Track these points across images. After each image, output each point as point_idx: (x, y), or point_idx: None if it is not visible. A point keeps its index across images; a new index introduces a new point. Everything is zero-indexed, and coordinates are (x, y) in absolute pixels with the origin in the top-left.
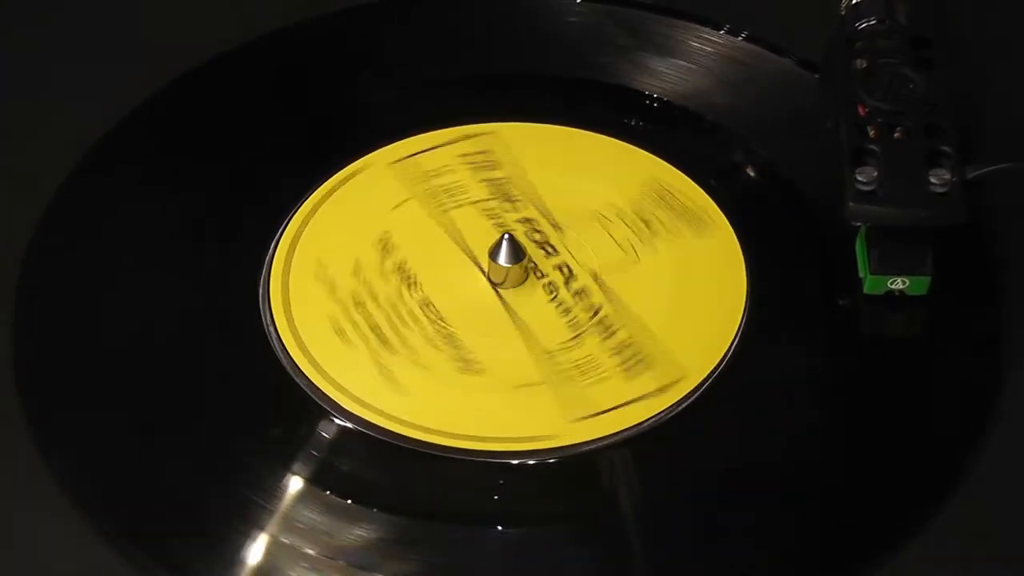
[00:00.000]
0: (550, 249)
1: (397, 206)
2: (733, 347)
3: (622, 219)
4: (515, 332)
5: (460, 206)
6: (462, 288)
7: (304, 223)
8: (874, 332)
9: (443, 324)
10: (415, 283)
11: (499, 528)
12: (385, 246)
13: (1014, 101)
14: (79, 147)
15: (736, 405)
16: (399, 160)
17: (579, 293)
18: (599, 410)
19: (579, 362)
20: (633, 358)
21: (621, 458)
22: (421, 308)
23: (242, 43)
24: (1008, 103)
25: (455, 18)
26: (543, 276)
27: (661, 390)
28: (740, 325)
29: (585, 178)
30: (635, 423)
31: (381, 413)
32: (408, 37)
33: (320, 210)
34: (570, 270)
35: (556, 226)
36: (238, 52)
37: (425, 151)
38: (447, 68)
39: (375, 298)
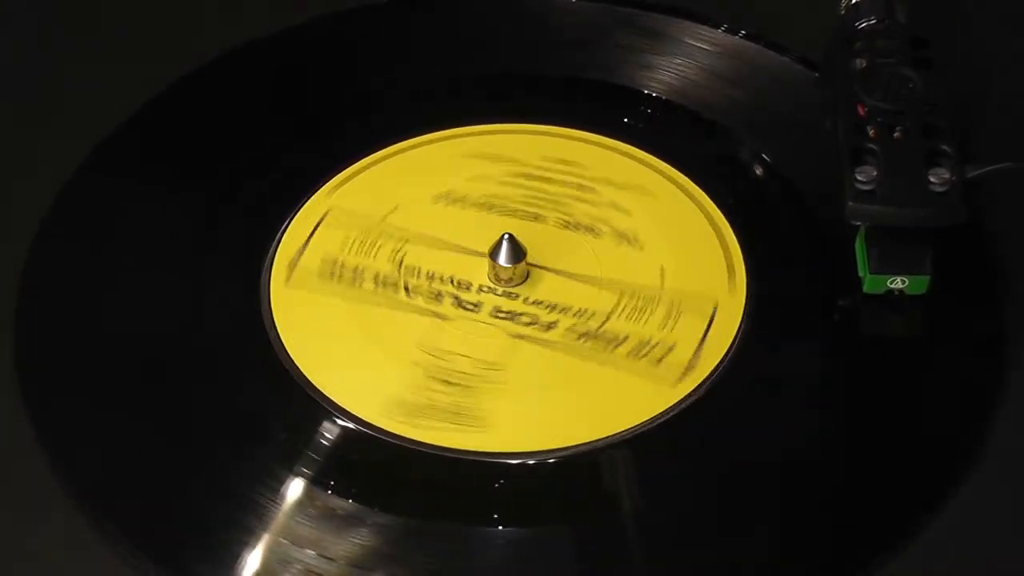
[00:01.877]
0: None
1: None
2: (733, 347)
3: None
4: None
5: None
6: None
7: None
8: (873, 331)
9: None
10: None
11: (499, 528)
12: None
13: (1014, 101)
14: (80, 147)
15: (733, 406)
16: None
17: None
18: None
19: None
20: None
21: (619, 458)
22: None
23: (244, 43)
24: (1008, 103)
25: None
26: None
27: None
28: (740, 326)
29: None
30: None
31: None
32: (409, 37)
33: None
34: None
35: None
36: (239, 52)
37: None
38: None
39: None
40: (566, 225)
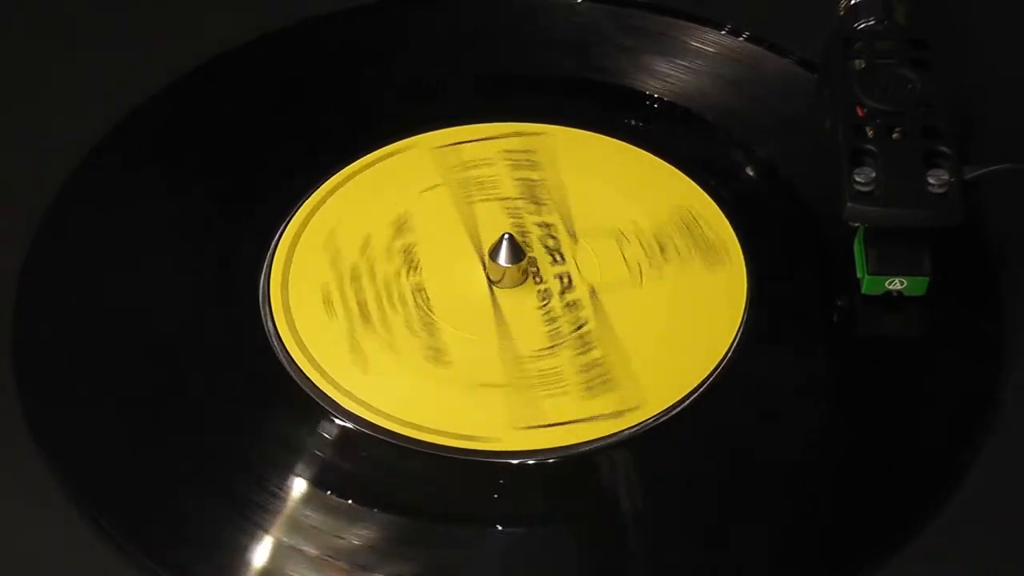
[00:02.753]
0: (558, 257)
1: (426, 190)
2: (732, 347)
3: (639, 240)
4: (494, 331)
5: (487, 200)
6: (459, 280)
7: (328, 195)
8: (872, 333)
9: (428, 311)
10: (416, 267)
11: (498, 528)
12: (400, 227)
13: (1012, 101)
14: (80, 147)
15: (732, 406)
16: (442, 146)
17: (570, 305)
18: (547, 422)
19: (545, 372)
20: (599, 378)
21: (618, 459)
22: (413, 293)
23: (244, 43)
24: (1006, 103)
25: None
26: (542, 282)
27: (615, 415)
28: (739, 326)
29: (619, 193)
30: (579, 441)
31: (345, 392)
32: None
33: (349, 183)
34: (570, 280)
35: (572, 235)
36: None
37: (471, 141)
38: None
39: (372, 275)
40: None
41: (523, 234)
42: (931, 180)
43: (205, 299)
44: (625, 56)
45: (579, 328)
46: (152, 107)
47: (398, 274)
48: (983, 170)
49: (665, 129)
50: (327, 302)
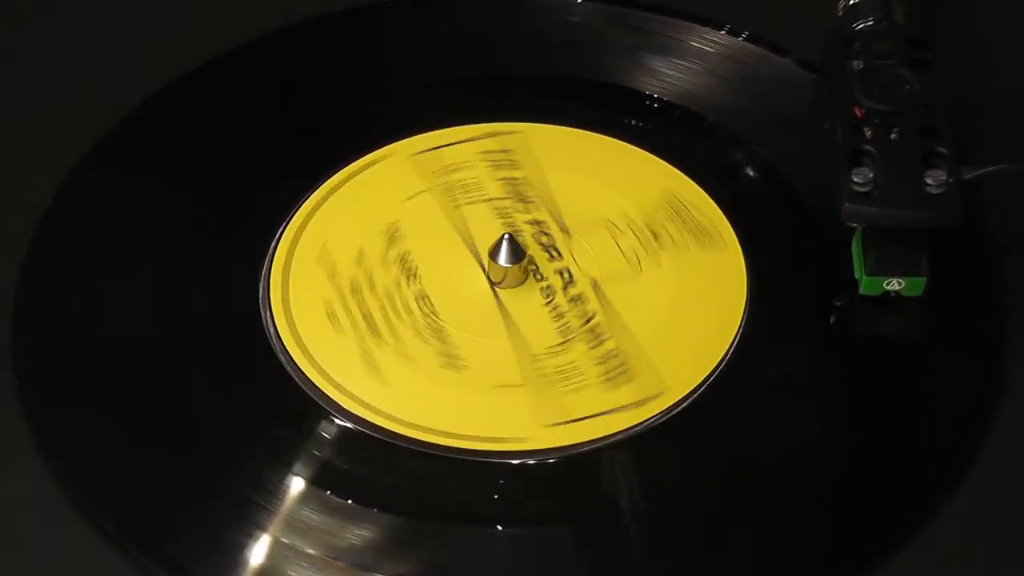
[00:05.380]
0: (554, 253)
1: (411, 197)
2: (731, 348)
3: (632, 229)
4: (504, 332)
5: (473, 203)
6: (460, 284)
7: (315, 209)
8: (869, 333)
9: (435, 318)
10: (415, 275)
11: (498, 528)
12: (392, 236)
13: (1011, 102)
14: (79, 147)
15: (730, 407)
16: (420, 152)
17: (575, 299)
18: (572, 418)
19: (563, 368)
20: (616, 369)
21: (618, 459)
22: (416, 300)
23: (244, 43)
24: (1005, 104)
25: (459, 19)
26: (543, 279)
27: (638, 403)
28: (739, 326)
29: (603, 185)
30: (608, 433)
31: (365, 405)
32: (430, 35)
33: (334, 196)
34: (570, 275)
35: (565, 230)
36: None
37: (448, 145)
38: (457, 67)
39: (372, 286)
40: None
41: (517, 233)
42: (929, 180)
43: (206, 299)
44: (623, 55)
45: (588, 321)
46: (152, 107)
47: (398, 283)
48: (981, 171)
49: (663, 129)
50: (331, 317)
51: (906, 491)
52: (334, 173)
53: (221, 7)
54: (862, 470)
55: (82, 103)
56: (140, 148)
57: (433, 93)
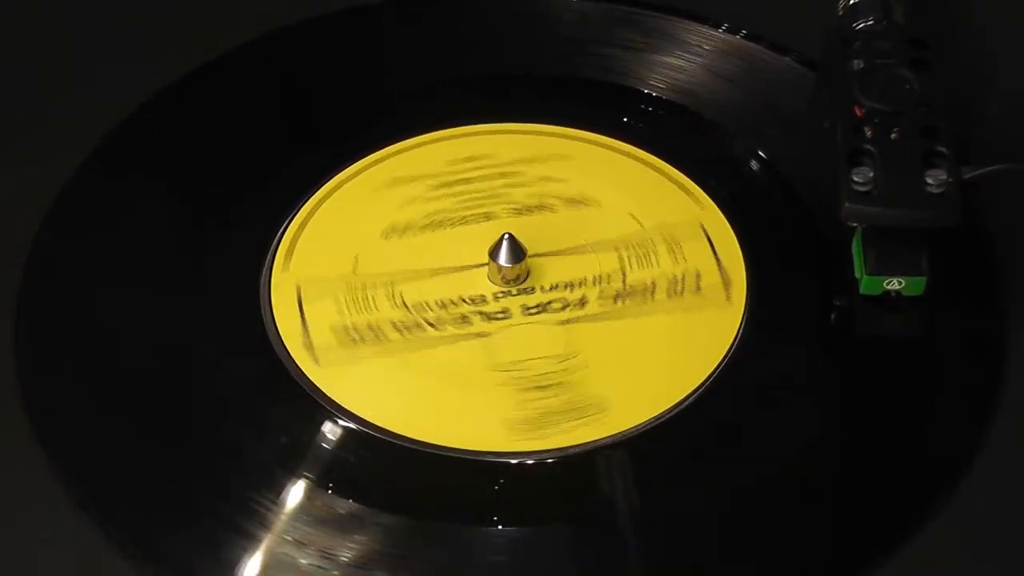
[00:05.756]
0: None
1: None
2: (731, 348)
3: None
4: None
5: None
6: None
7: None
8: (869, 333)
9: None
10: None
11: (499, 528)
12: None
13: (1011, 102)
14: (80, 147)
15: (730, 407)
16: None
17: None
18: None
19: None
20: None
21: (618, 459)
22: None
23: (244, 43)
24: (1005, 104)
25: (459, 19)
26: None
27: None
28: (739, 326)
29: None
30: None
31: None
32: (410, 38)
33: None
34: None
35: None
36: (238, 52)
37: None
38: (457, 67)
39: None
40: (519, 212)
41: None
42: (929, 180)
43: (206, 298)
44: (623, 55)
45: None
46: (153, 108)
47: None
48: (981, 170)
49: (662, 128)
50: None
51: (906, 491)
52: (334, 174)
53: (221, 7)
54: (862, 470)
55: (83, 104)
56: (141, 148)
57: (433, 93)
